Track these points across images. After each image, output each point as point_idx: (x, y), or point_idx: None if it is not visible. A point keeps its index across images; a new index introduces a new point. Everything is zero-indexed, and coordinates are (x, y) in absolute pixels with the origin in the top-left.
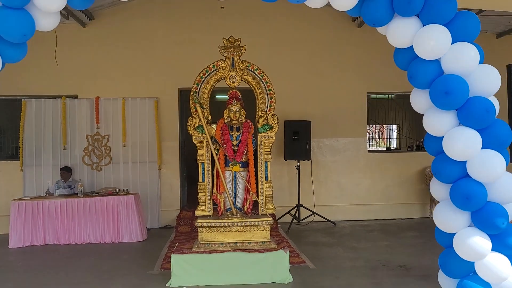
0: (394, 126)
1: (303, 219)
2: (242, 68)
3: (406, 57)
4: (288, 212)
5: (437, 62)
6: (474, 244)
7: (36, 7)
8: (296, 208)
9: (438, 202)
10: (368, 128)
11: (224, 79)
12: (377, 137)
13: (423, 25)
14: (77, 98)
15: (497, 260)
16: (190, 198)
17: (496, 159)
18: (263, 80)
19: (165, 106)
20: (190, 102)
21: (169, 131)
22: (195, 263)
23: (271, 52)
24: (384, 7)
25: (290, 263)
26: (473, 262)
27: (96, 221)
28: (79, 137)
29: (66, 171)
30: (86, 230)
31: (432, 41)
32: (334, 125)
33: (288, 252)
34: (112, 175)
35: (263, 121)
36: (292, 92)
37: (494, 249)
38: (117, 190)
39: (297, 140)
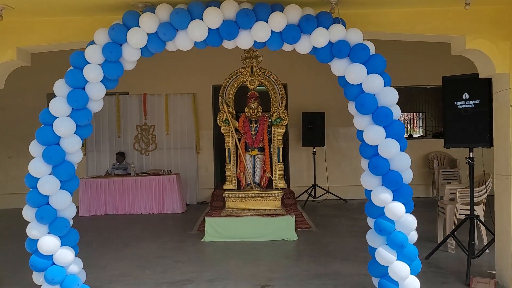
0: (421, 114)
1: (318, 197)
2: (259, 74)
3: (343, 81)
4: (306, 191)
5: (359, 85)
6: (382, 196)
7: (124, 59)
8: (312, 188)
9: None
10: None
11: (245, 82)
12: (408, 124)
13: (352, 63)
14: (128, 94)
15: (396, 206)
16: (223, 178)
17: (394, 144)
18: (276, 83)
19: (201, 100)
20: (219, 101)
21: (204, 121)
22: (223, 224)
23: (292, 53)
24: (327, 53)
25: (298, 228)
26: (383, 207)
27: (146, 195)
28: (130, 127)
29: (121, 155)
30: (138, 203)
31: (354, 74)
32: (347, 115)
33: (294, 217)
34: (158, 159)
35: (276, 115)
36: (308, 88)
37: (394, 199)
38: (162, 171)
39: (313, 129)
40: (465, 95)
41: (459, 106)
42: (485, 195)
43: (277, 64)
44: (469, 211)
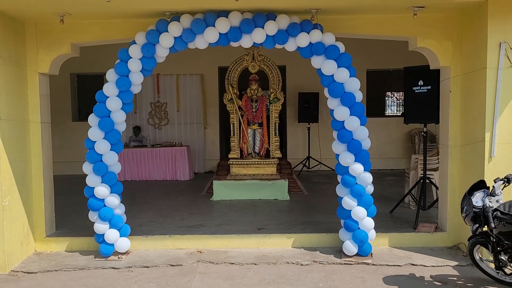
0: None
1: (311, 168)
2: (259, 60)
3: (320, 72)
4: (301, 162)
5: (332, 76)
6: (346, 158)
7: (157, 55)
8: (306, 159)
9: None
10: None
11: (248, 67)
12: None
13: (326, 59)
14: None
15: (357, 166)
16: (227, 151)
17: (355, 120)
18: (273, 68)
19: (208, 81)
20: (225, 83)
21: (211, 99)
22: (228, 186)
23: None
24: (308, 51)
25: (291, 191)
26: (348, 167)
27: (160, 164)
28: (145, 104)
29: (137, 129)
30: (153, 171)
31: (327, 67)
32: None
33: (287, 180)
34: (169, 132)
35: (273, 95)
36: (305, 70)
37: (356, 160)
38: (174, 143)
39: (308, 108)
40: (420, 82)
41: (416, 91)
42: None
43: (276, 48)
44: (427, 175)
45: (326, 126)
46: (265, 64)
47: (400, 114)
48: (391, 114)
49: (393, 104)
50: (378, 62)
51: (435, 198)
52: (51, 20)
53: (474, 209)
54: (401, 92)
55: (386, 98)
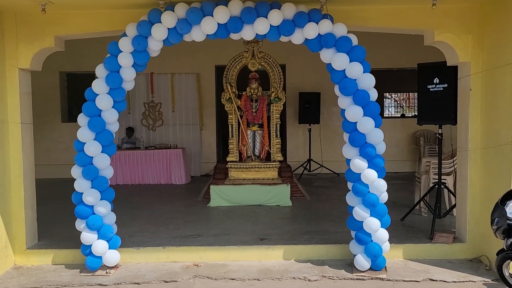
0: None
1: (312, 171)
2: (259, 57)
3: (330, 67)
4: (301, 165)
5: (343, 71)
6: (358, 164)
7: (150, 49)
8: (307, 162)
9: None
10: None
11: (247, 65)
12: (404, 104)
13: (337, 52)
14: (136, 73)
15: (370, 173)
16: (224, 153)
17: (369, 121)
18: (274, 66)
19: (205, 80)
20: (223, 81)
21: (208, 100)
22: (226, 191)
23: None
24: (317, 43)
25: (293, 196)
26: (360, 173)
27: (154, 167)
28: (138, 104)
29: (130, 130)
30: (147, 174)
31: (338, 62)
32: None
33: (289, 185)
34: (164, 134)
35: (274, 95)
36: (306, 69)
37: (369, 167)
38: (169, 145)
39: (309, 108)
40: (436, 80)
41: (431, 89)
42: (454, 166)
43: (276, 46)
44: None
45: (327, 127)
46: (266, 62)
47: (399, 115)
48: (390, 116)
49: (391, 105)
50: (380, 61)
51: (448, 205)
52: (32, 10)
53: (508, 221)
54: (400, 93)
55: (384, 99)
